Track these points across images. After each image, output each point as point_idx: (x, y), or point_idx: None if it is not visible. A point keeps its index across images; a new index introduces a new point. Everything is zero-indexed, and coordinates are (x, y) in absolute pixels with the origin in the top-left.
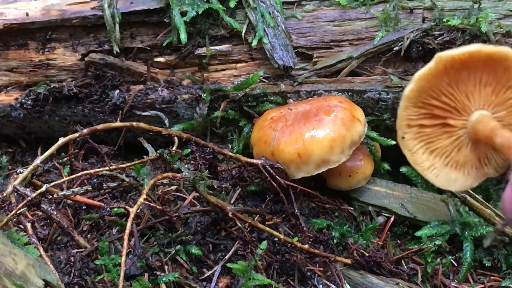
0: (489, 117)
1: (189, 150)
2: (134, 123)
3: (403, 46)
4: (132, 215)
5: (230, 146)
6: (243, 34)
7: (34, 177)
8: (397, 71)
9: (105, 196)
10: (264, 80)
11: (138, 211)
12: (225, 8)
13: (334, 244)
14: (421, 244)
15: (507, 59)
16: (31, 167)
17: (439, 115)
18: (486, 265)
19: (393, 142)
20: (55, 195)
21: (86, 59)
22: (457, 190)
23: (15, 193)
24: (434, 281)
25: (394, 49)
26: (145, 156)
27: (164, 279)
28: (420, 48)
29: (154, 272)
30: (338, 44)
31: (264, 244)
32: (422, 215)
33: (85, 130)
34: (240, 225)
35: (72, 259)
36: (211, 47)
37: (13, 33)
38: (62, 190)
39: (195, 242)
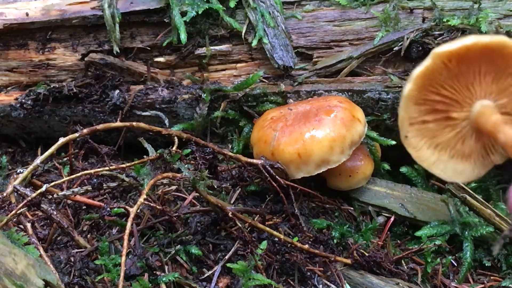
0: (491, 108)
1: (189, 150)
2: (134, 123)
3: (403, 46)
4: (132, 215)
5: (230, 146)
6: (243, 34)
7: (34, 177)
8: (397, 71)
9: (105, 196)
10: (264, 80)
11: (138, 211)
12: (225, 8)
13: (334, 244)
14: (421, 244)
15: (505, 47)
16: (31, 167)
17: (440, 109)
18: (486, 265)
19: (393, 142)
20: (55, 195)
21: (86, 59)
22: (465, 181)
23: (15, 193)
24: (434, 281)
25: (394, 49)
26: (145, 156)
27: (164, 279)
28: (420, 48)
29: (154, 272)
30: (338, 44)
31: (264, 244)
32: (422, 215)
33: (85, 130)
34: (240, 225)
35: (72, 259)
36: (211, 47)
37: (13, 33)
38: (62, 190)
39: (195, 242)
